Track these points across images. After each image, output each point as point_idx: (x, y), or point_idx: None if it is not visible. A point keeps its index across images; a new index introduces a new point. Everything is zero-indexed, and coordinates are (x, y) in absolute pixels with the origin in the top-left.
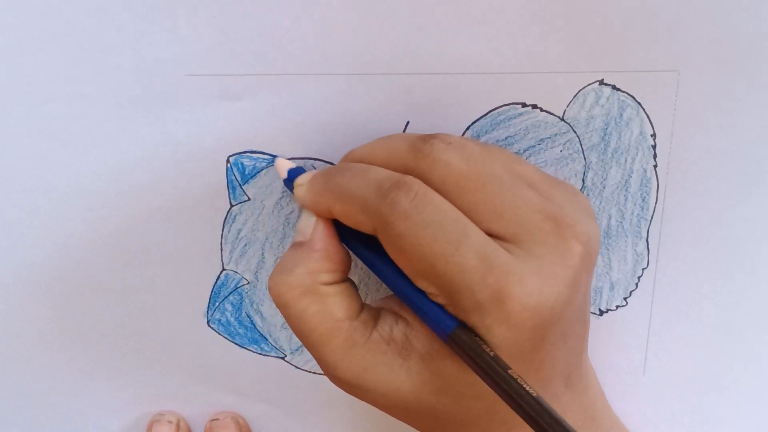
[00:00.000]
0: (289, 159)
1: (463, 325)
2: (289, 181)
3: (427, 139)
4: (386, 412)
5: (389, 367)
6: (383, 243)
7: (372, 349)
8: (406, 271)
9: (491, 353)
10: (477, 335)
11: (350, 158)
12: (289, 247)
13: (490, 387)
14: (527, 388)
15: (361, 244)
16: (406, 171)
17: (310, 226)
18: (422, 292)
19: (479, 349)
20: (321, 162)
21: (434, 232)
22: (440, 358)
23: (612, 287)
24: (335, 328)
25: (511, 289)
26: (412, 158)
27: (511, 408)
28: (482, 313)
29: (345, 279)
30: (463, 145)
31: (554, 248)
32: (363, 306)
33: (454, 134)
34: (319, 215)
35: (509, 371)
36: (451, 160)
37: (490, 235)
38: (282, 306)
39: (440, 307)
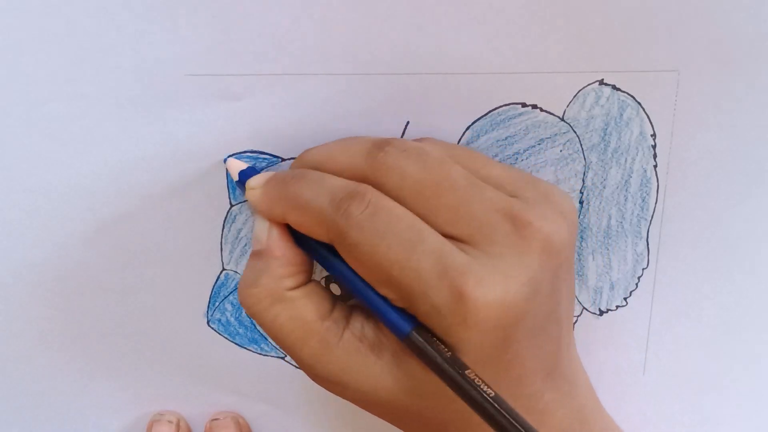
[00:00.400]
0: (289, 159)
1: (421, 327)
2: (241, 183)
3: (382, 145)
4: (370, 412)
5: (364, 365)
6: (340, 253)
7: (346, 348)
8: (366, 278)
9: (447, 354)
10: (435, 336)
11: (305, 160)
12: (249, 256)
13: (449, 387)
14: (484, 388)
15: (318, 249)
16: (362, 178)
17: (264, 232)
18: (379, 297)
19: (435, 350)
20: None
21: (388, 241)
22: (408, 359)
23: (612, 287)
24: (308, 330)
25: (467, 289)
26: (368, 166)
27: (470, 407)
28: (440, 316)
29: (309, 280)
30: (419, 150)
31: (512, 246)
32: (334, 305)
33: (409, 140)
34: (272, 221)
35: (466, 371)
36: (406, 168)
37: (449, 238)
38: (254, 317)
39: (397, 310)
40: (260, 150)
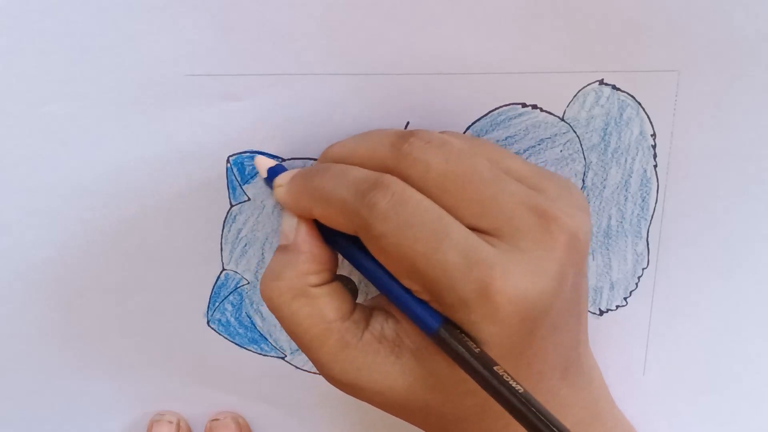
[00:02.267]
0: (290, 159)
1: (449, 323)
2: (269, 179)
3: (407, 137)
4: (383, 410)
5: (383, 366)
6: (366, 244)
7: (365, 349)
8: (391, 270)
9: (476, 350)
10: (463, 332)
11: (329, 155)
12: (276, 250)
13: (478, 383)
14: (513, 384)
15: (345, 244)
16: (386, 170)
17: (292, 228)
18: (407, 291)
19: (464, 346)
20: None
21: (415, 232)
22: (430, 355)
23: (612, 287)
24: (327, 329)
25: (495, 283)
26: (392, 157)
27: (499, 404)
28: (468, 310)
29: (333, 279)
30: (444, 142)
31: (539, 240)
32: (355, 306)
33: (434, 131)
34: (300, 217)
35: (495, 367)
36: (430, 160)
37: (475, 230)
38: (274, 310)
39: (425, 304)
40: (260, 150)
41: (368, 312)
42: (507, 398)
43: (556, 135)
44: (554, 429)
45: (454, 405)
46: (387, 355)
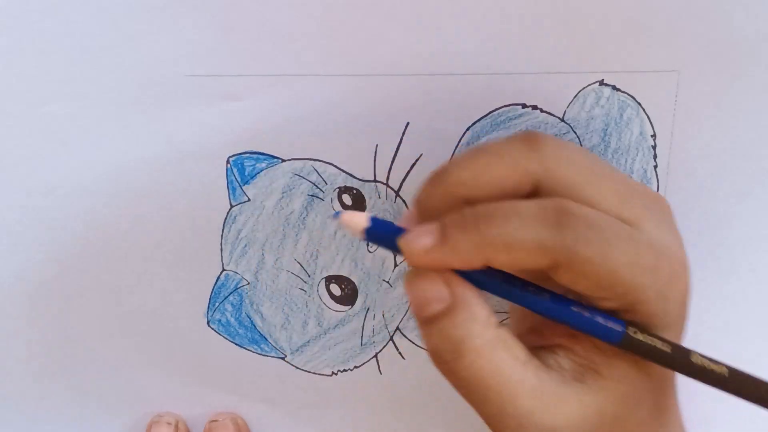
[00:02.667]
0: (290, 160)
1: (630, 324)
2: (383, 240)
3: (533, 139)
4: None
5: (576, 395)
6: (563, 275)
7: (556, 383)
8: (587, 289)
9: (667, 347)
10: (644, 331)
11: (451, 179)
12: (428, 325)
13: (683, 374)
14: (714, 368)
15: (491, 283)
16: (529, 175)
17: (441, 288)
18: (581, 307)
19: (655, 345)
20: (321, 162)
21: (614, 245)
22: (616, 361)
23: None
24: (524, 369)
25: (673, 266)
26: (537, 159)
27: (710, 386)
28: (664, 299)
29: None
30: (551, 136)
31: (665, 217)
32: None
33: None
34: (452, 268)
35: (692, 356)
36: (571, 154)
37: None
38: (475, 381)
39: (604, 314)
40: (260, 150)
41: (532, 352)
42: (713, 381)
43: (556, 135)
44: None
45: (655, 393)
46: (572, 383)
